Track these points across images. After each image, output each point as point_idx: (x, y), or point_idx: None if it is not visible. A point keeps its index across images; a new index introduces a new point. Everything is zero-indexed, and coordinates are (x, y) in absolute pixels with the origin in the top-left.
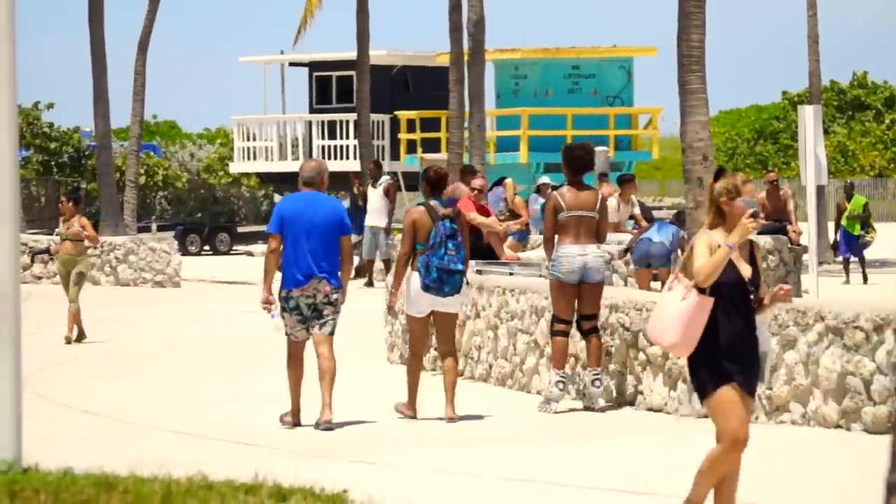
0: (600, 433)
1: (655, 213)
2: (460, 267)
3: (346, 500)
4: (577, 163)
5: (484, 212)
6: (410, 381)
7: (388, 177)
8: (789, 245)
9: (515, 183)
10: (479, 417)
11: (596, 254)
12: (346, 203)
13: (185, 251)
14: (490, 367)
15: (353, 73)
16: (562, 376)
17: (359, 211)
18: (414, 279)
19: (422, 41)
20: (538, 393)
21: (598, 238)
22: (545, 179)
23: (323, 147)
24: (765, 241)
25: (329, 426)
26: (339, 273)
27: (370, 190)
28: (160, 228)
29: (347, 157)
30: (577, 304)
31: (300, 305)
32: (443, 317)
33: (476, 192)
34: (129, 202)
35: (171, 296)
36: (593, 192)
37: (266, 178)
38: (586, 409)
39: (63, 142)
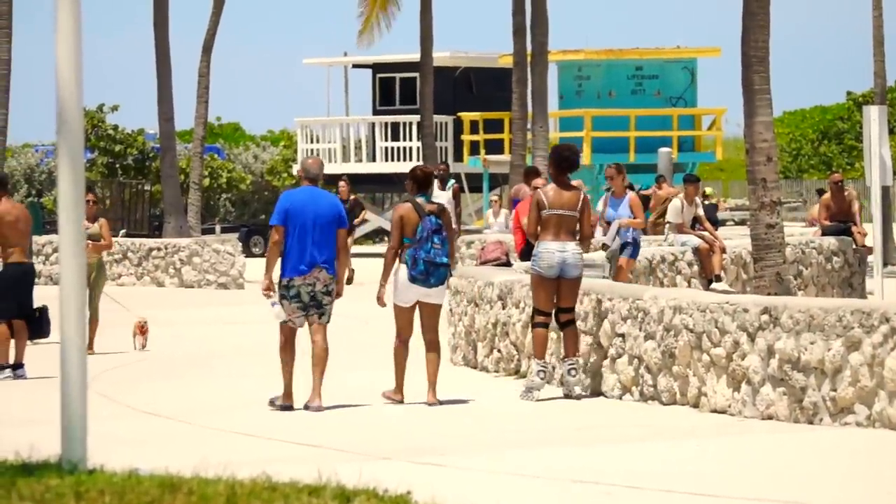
0: (664, 435)
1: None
2: (445, 260)
3: (409, 502)
4: (563, 163)
5: None
6: (397, 367)
7: (454, 180)
8: (854, 246)
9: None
10: (543, 419)
11: (575, 251)
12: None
13: (248, 253)
14: (553, 368)
15: (416, 74)
16: (542, 366)
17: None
18: (402, 271)
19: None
20: (602, 395)
21: (583, 236)
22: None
23: (386, 149)
24: (829, 242)
25: (319, 408)
26: (336, 264)
27: (437, 192)
28: (224, 230)
29: (410, 159)
30: (557, 297)
31: (301, 293)
32: (428, 307)
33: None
34: (193, 204)
35: (234, 297)
36: (575, 193)
37: (329, 180)
38: (566, 396)
39: (128, 144)
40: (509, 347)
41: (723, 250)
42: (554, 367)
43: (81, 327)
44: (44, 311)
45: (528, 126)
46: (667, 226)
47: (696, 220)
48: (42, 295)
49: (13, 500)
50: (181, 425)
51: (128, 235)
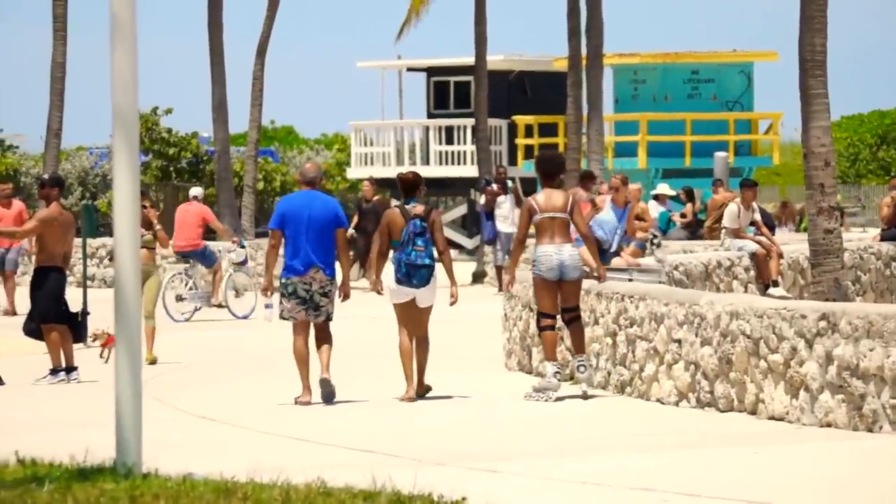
0: (720, 442)
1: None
2: (427, 262)
3: None
4: (549, 169)
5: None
6: (404, 368)
7: (512, 182)
8: None
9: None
10: (599, 426)
11: (571, 253)
12: (462, 210)
13: None
14: (609, 374)
15: (470, 78)
16: (557, 367)
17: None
18: (391, 273)
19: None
20: (658, 401)
21: (581, 234)
22: (663, 188)
23: (440, 152)
24: (888, 247)
25: (328, 383)
26: (338, 263)
27: (502, 196)
28: None
29: (465, 163)
30: (560, 298)
31: (297, 290)
32: (418, 309)
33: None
34: (248, 207)
35: None
36: (564, 195)
37: (383, 184)
38: (583, 396)
39: (182, 147)
40: (564, 353)
41: (780, 255)
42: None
43: (136, 331)
44: (85, 315)
45: (583, 130)
46: (723, 231)
47: (753, 225)
48: (96, 298)
49: None
50: (234, 429)
51: None
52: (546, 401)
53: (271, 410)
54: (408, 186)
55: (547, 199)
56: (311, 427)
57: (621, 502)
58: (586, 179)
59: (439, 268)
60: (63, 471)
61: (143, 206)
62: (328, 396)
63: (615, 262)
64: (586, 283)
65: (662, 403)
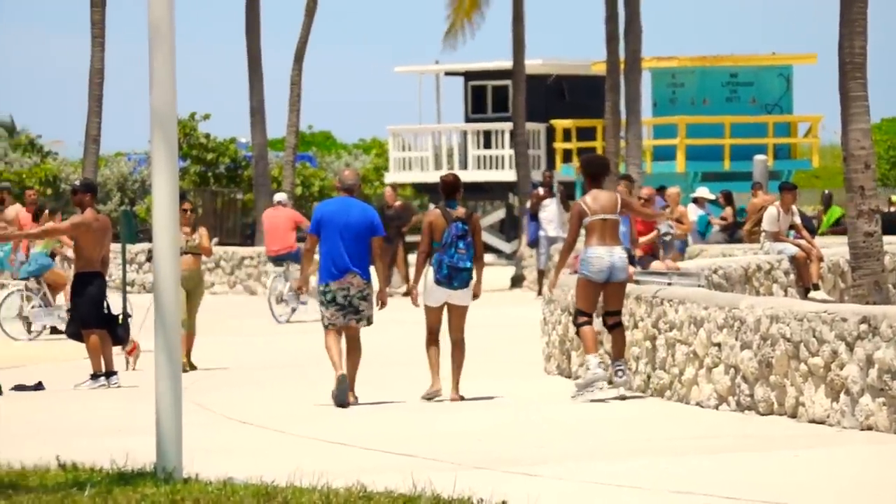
0: (761, 445)
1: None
2: (468, 265)
3: None
4: (594, 172)
5: (649, 222)
6: (430, 363)
7: (558, 186)
8: None
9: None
10: (639, 429)
11: (621, 255)
12: (500, 214)
13: None
14: (648, 377)
15: (508, 82)
16: (600, 358)
17: (528, 219)
18: (430, 274)
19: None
20: (697, 404)
21: (645, 215)
22: (703, 192)
23: (478, 157)
24: None
25: (354, 402)
26: (373, 269)
27: (547, 199)
28: None
29: (503, 167)
30: (603, 300)
31: (336, 297)
32: (454, 308)
33: (643, 201)
34: None
35: None
36: (613, 196)
37: (422, 189)
38: (621, 398)
39: (220, 152)
40: (604, 357)
41: (820, 259)
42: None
43: (176, 337)
44: (126, 318)
45: (622, 134)
46: (762, 234)
47: (793, 228)
48: (136, 303)
49: None
50: (274, 434)
51: (220, 244)
52: (594, 392)
53: (311, 414)
54: (449, 189)
55: (596, 200)
56: (351, 431)
57: None
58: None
59: None
60: (104, 475)
61: (185, 211)
62: (342, 396)
63: (654, 265)
64: (627, 287)
65: (702, 407)
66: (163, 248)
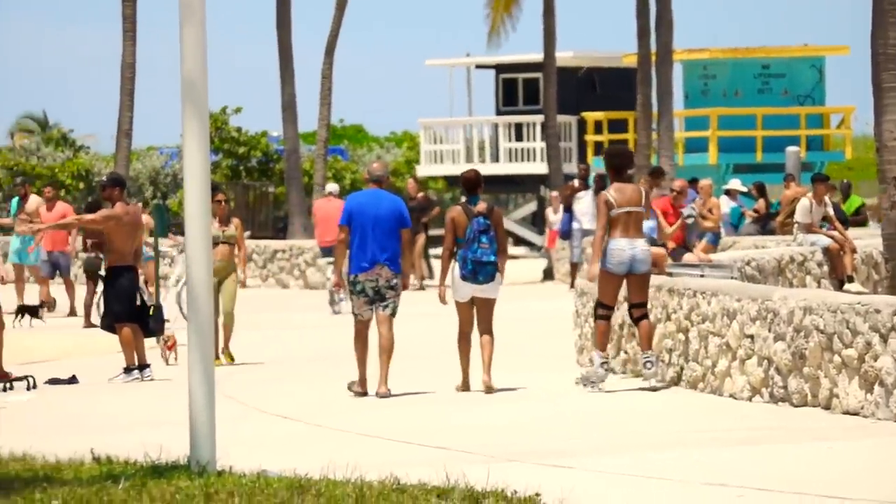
0: (795, 437)
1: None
2: (492, 258)
3: None
4: (619, 164)
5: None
6: (462, 358)
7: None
8: None
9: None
10: (672, 421)
11: (644, 247)
12: (532, 207)
13: None
14: (681, 370)
15: (539, 74)
16: (605, 358)
17: (561, 210)
18: (456, 270)
19: (609, 42)
20: (731, 396)
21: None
22: (735, 184)
23: (509, 149)
24: None
25: (386, 395)
26: (400, 261)
27: (580, 194)
28: None
29: (534, 160)
30: (627, 293)
31: (366, 289)
32: (482, 302)
33: (675, 193)
34: None
35: None
36: (637, 189)
37: (453, 182)
38: (651, 389)
39: (251, 146)
40: (636, 349)
41: (853, 250)
42: (661, 360)
43: (209, 330)
44: (159, 308)
45: (653, 126)
46: (795, 226)
47: (826, 220)
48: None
49: (144, 502)
50: (308, 427)
51: (252, 237)
52: (592, 391)
53: (344, 408)
54: (470, 185)
55: (621, 194)
56: (383, 424)
57: (696, 498)
58: (656, 175)
59: None
60: (138, 468)
61: (219, 202)
62: (383, 397)
63: (687, 257)
64: (658, 280)
65: (735, 399)
66: (194, 243)
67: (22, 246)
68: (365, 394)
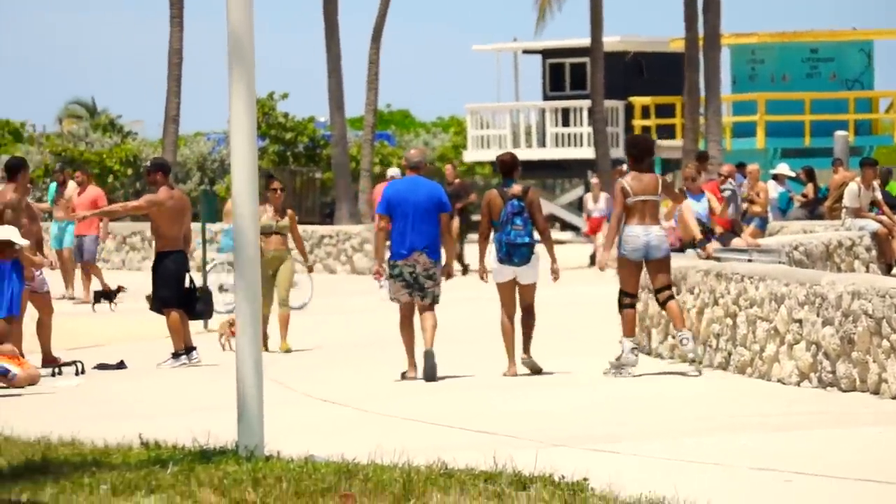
0: (843, 422)
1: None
2: (527, 240)
3: (586, 489)
4: (639, 153)
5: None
6: (505, 340)
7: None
8: None
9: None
10: (719, 406)
11: (658, 233)
12: (579, 192)
13: None
14: (729, 355)
15: (586, 59)
16: (635, 343)
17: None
18: (494, 253)
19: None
20: (779, 381)
21: (677, 200)
22: (783, 168)
23: (556, 134)
24: None
25: (432, 362)
26: (442, 247)
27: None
28: None
29: (581, 145)
30: (649, 280)
31: (403, 273)
32: (522, 287)
33: (723, 178)
34: (364, 191)
35: None
36: (654, 178)
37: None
38: (690, 362)
39: (298, 132)
40: (675, 335)
41: None
42: (699, 342)
43: (256, 316)
44: (207, 292)
45: (701, 110)
46: (843, 210)
47: (874, 204)
48: (215, 282)
49: (192, 486)
50: (355, 412)
51: (299, 223)
52: (624, 377)
53: (391, 393)
54: (506, 168)
55: (638, 182)
56: (431, 408)
57: (744, 482)
58: (703, 160)
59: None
60: (186, 453)
61: (274, 191)
62: (430, 370)
63: (735, 242)
64: (706, 264)
65: (783, 384)
66: (241, 230)
67: (59, 232)
68: (416, 378)
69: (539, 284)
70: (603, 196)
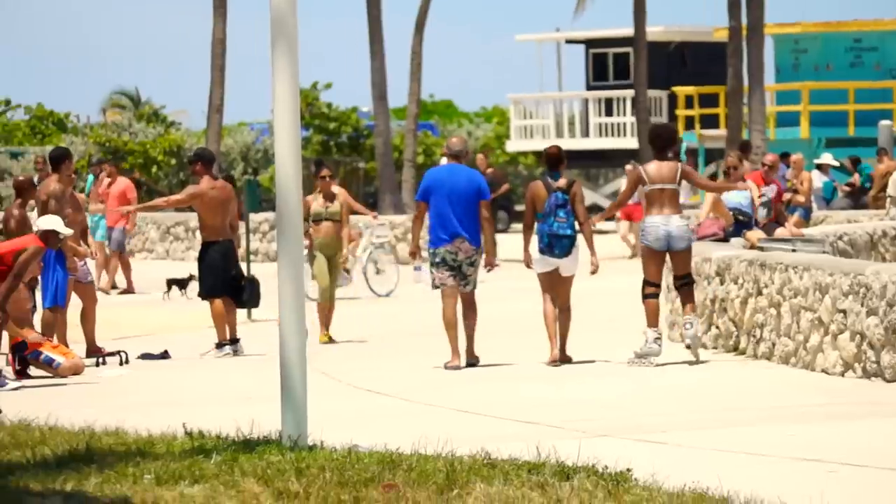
0: (888, 412)
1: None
2: (569, 232)
3: (629, 479)
4: (658, 141)
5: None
6: (547, 326)
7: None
8: None
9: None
10: (763, 396)
11: (679, 224)
12: (621, 182)
13: None
14: (773, 345)
15: (630, 49)
16: (658, 333)
17: None
18: (536, 243)
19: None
20: (823, 371)
21: (705, 188)
22: (827, 158)
23: (600, 124)
24: None
25: (469, 363)
26: (482, 235)
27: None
28: None
29: (624, 135)
30: (671, 268)
31: (446, 259)
32: (560, 278)
33: (766, 167)
34: (408, 181)
35: None
36: (674, 167)
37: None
38: (687, 347)
39: (341, 122)
40: (728, 324)
41: None
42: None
43: (300, 305)
44: (253, 281)
45: (744, 100)
46: (888, 200)
47: None
48: (260, 273)
49: (236, 476)
50: (399, 402)
51: None
52: (647, 366)
53: (434, 383)
54: (553, 161)
55: (657, 170)
56: (474, 399)
57: (788, 473)
58: (746, 150)
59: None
60: (230, 443)
61: (324, 178)
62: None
63: (778, 232)
64: (750, 254)
65: (827, 374)
66: (285, 219)
67: (93, 225)
68: (458, 367)
69: (578, 276)
70: None
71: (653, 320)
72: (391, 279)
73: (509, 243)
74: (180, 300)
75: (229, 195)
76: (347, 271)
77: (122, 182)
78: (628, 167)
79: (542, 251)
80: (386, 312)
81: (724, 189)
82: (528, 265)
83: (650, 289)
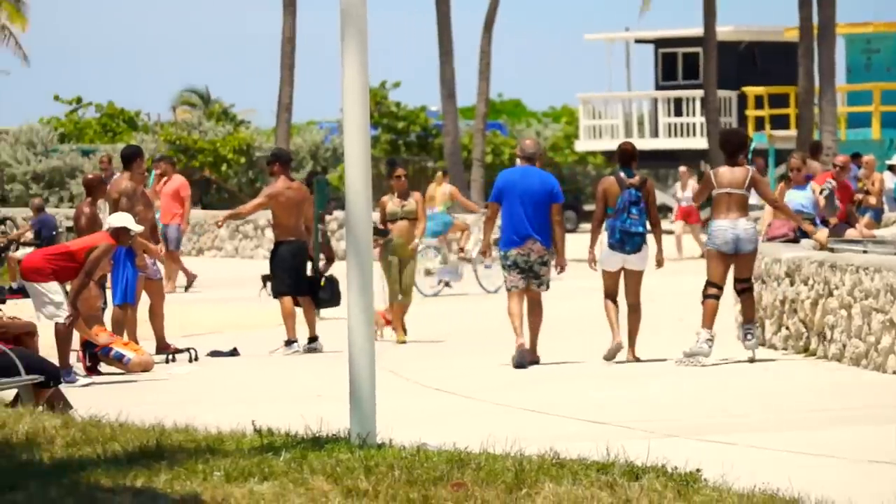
0: None
1: None
2: (640, 230)
3: (699, 480)
4: (728, 146)
5: (845, 189)
6: (609, 320)
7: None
8: None
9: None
10: (834, 398)
11: (746, 227)
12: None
13: None
14: (844, 346)
15: (699, 49)
16: (710, 335)
17: None
18: (605, 239)
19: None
20: (894, 373)
21: (768, 200)
22: None
23: (669, 125)
24: None
25: (534, 361)
26: (553, 237)
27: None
28: None
29: (694, 135)
30: (733, 270)
31: (518, 262)
32: (629, 273)
33: (837, 168)
34: (476, 181)
35: None
36: (743, 171)
37: (611, 157)
38: (749, 361)
39: (410, 121)
40: (798, 325)
41: None
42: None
43: (368, 304)
44: (332, 281)
45: (815, 101)
46: None
47: None
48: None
49: (305, 473)
50: (467, 401)
51: None
52: (696, 366)
53: (502, 382)
54: (626, 157)
55: (726, 175)
56: (542, 398)
57: (858, 475)
58: (816, 151)
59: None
60: (298, 441)
61: (399, 177)
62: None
63: (849, 233)
64: (820, 255)
65: None
66: (354, 218)
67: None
68: (524, 346)
69: (646, 274)
70: (690, 184)
71: (708, 321)
72: (499, 275)
73: (577, 243)
74: (233, 297)
75: (304, 196)
76: (466, 259)
77: (177, 179)
78: (682, 169)
79: (611, 246)
80: (451, 311)
81: (785, 213)
82: (592, 266)
83: (712, 289)
